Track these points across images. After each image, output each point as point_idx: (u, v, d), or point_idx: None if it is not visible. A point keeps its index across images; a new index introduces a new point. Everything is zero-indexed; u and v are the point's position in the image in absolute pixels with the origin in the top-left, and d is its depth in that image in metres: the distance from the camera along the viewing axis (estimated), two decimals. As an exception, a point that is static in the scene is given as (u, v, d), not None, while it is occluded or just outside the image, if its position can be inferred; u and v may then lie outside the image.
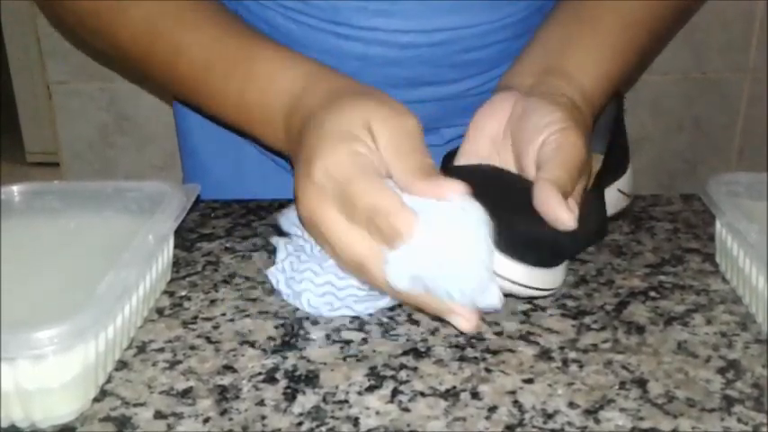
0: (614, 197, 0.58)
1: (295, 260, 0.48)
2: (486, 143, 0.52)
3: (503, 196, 0.47)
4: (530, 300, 0.49)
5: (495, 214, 0.43)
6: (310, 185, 0.44)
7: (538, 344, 0.44)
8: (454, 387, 0.41)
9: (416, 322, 0.47)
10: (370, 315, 0.47)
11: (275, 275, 0.49)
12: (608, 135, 0.59)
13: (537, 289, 0.46)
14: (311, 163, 0.44)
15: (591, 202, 0.50)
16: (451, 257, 0.41)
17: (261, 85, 0.53)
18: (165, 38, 0.56)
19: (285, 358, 0.43)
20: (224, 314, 0.48)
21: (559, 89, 0.53)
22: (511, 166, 0.51)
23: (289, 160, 0.53)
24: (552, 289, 0.47)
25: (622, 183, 0.59)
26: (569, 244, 0.46)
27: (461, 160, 0.52)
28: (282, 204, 0.63)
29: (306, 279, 0.47)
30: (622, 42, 0.58)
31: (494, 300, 0.43)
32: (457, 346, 0.44)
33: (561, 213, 0.44)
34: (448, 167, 0.52)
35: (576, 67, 0.55)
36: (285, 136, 0.52)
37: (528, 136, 0.49)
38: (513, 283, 0.45)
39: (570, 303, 0.49)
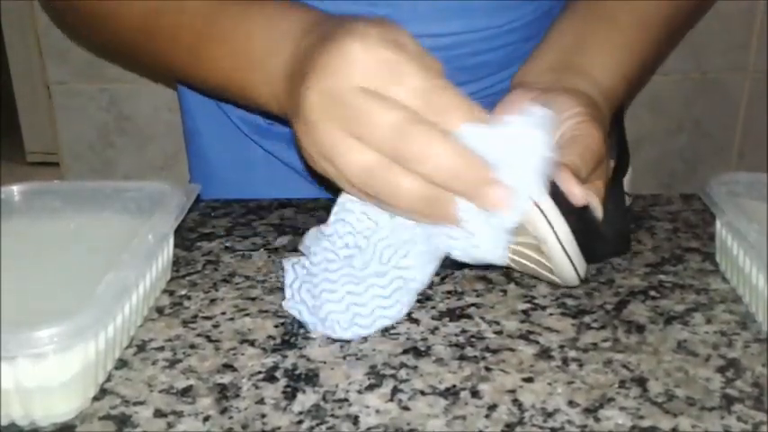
0: None
1: (308, 283, 0.46)
2: None
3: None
4: (530, 299, 0.49)
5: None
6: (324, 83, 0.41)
7: (538, 343, 0.44)
8: (454, 386, 0.41)
9: (416, 321, 0.47)
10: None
11: (296, 307, 0.46)
12: (613, 135, 0.59)
13: (575, 269, 0.46)
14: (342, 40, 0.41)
15: (611, 201, 0.50)
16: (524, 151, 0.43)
17: (260, 40, 0.50)
18: (168, 14, 0.54)
19: (285, 357, 0.43)
20: (224, 313, 0.48)
21: (577, 86, 0.53)
22: None
23: (285, 124, 0.49)
24: (574, 280, 0.47)
25: (624, 182, 0.59)
26: (600, 236, 0.48)
27: None
28: (283, 204, 0.63)
29: (325, 300, 0.45)
30: (639, 43, 0.58)
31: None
32: (457, 345, 0.44)
33: (572, 187, 0.45)
34: None
35: (593, 66, 0.55)
36: (285, 85, 0.47)
37: None
38: (562, 246, 0.45)
39: (570, 302, 0.49)
